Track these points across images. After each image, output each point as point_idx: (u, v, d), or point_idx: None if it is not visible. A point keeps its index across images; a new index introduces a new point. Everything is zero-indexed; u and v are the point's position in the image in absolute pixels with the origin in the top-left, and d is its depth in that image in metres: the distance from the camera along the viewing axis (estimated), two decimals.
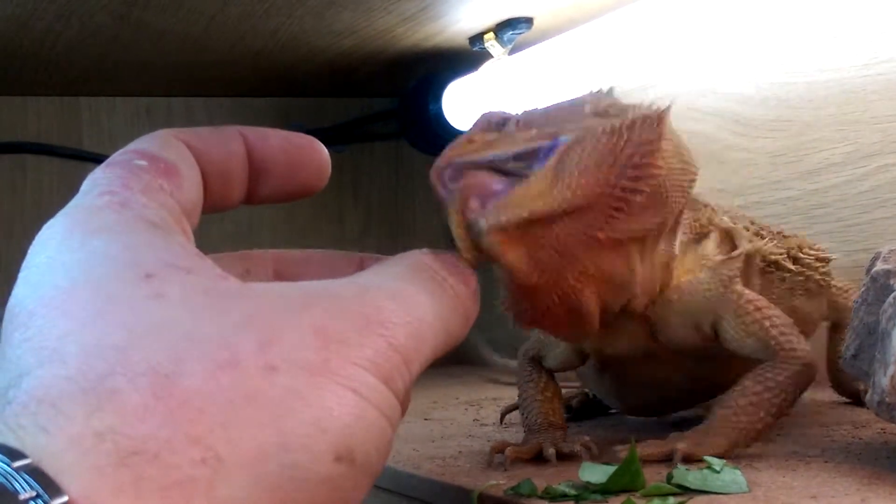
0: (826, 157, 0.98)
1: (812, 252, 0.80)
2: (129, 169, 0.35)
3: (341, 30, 1.23)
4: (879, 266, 0.63)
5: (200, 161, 0.38)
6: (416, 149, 1.53)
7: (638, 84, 1.23)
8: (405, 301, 0.34)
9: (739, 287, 0.70)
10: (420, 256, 0.38)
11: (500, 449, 0.69)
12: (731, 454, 0.64)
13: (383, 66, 1.43)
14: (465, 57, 1.32)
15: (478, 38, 1.25)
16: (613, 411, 0.93)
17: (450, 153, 0.54)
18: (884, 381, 0.58)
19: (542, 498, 0.58)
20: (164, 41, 1.24)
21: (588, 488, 0.58)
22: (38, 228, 1.45)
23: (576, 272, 0.58)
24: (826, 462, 0.63)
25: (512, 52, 1.22)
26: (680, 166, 0.61)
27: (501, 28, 1.21)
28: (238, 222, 1.59)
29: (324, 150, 0.42)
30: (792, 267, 0.77)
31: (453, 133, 1.41)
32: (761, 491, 0.56)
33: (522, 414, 0.75)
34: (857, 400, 0.83)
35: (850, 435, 0.73)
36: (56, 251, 0.31)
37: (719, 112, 1.12)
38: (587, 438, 0.67)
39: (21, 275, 0.31)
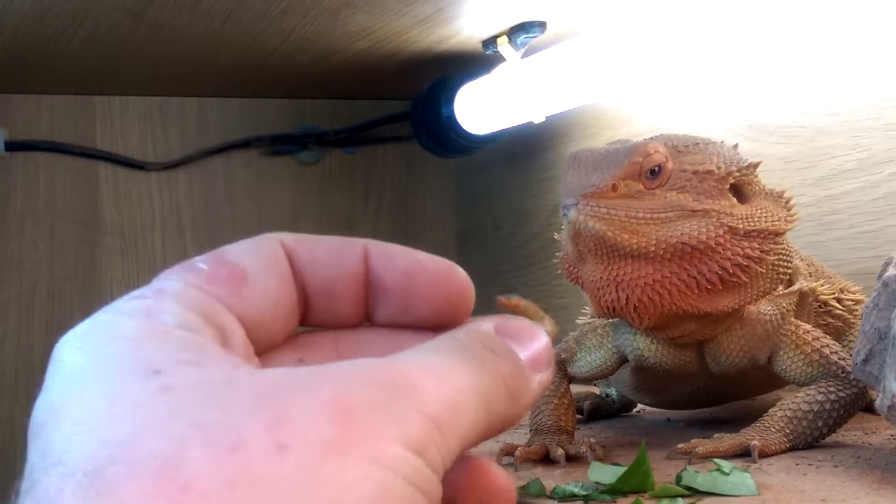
0: (839, 164, 0.98)
1: (852, 296, 0.83)
2: (181, 271, 0.35)
3: (355, 31, 1.23)
4: (891, 271, 0.63)
5: (301, 273, 0.37)
6: (429, 151, 1.53)
7: (655, 88, 1.23)
8: (437, 371, 0.31)
9: (794, 320, 0.73)
10: (459, 334, 0.35)
11: (509, 451, 0.69)
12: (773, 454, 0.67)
13: (396, 68, 1.43)
14: (478, 60, 1.32)
15: (491, 42, 1.25)
16: (624, 414, 0.94)
17: (593, 190, 0.62)
18: (894, 386, 0.58)
19: (551, 498, 0.58)
20: (179, 40, 1.24)
21: (597, 489, 0.58)
22: (49, 225, 1.43)
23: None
24: (836, 467, 0.63)
25: (525, 55, 1.23)
26: (782, 266, 0.70)
27: (515, 31, 1.21)
28: (247, 223, 1.59)
29: (462, 279, 0.37)
30: (839, 309, 0.80)
31: (465, 136, 1.42)
32: (771, 494, 0.56)
33: (533, 413, 0.76)
34: (867, 408, 0.83)
35: (860, 440, 0.73)
36: (69, 360, 0.31)
37: (733, 117, 1.12)
38: (593, 440, 0.68)
39: (43, 386, 0.32)
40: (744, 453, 0.66)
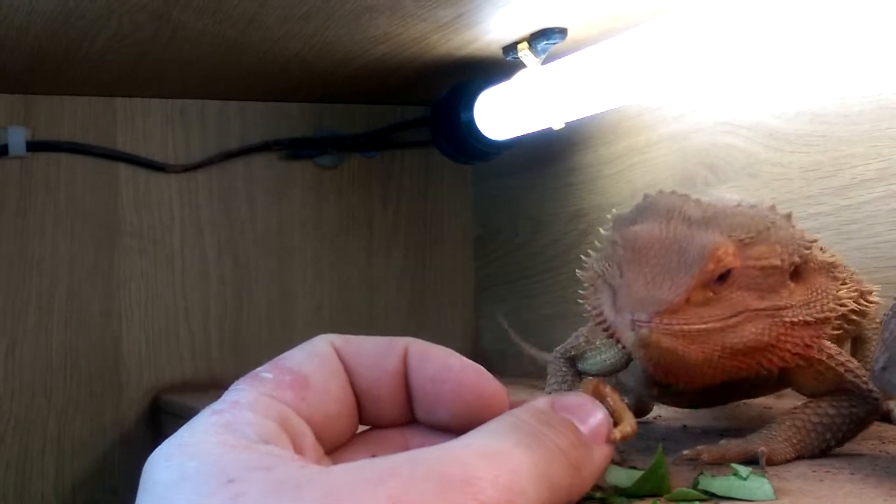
0: (859, 173, 0.98)
1: (872, 301, 0.80)
2: (250, 381, 0.37)
3: (376, 36, 1.24)
4: None
5: (350, 374, 0.38)
6: (447, 157, 1.54)
7: (674, 96, 1.23)
8: (493, 454, 0.32)
9: None
10: (516, 412, 0.36)
11: None
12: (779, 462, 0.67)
13: (416, 73, 1.44)
14: (498, 66, 1.32)
15: (511, 48, 1.26)
16: (638, 420, 0.93)
17: (667, 308, 0.60)
18: None
19: None
20: (201, 43, 1.25)
21: (615, 492, 0.58)
22: (69, 225, 1.43)
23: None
24: (853, 474, 0.63)
25: (545, 62, 1.23)
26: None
27: (535, 38, 1.21)
28: (266, 226, 1.60)
29: (488, 390, 0.38)
30: (855, 316, 0.78)
31: (484, 142, 1.42)
32: (788, 499, 0.56)
33: None
34: (884, 417, 0.83)
35: (877, 449, 0.72)
36: (157, 478, 0.33)
37: (753, 126, 1.11)
38: None
39: (136, 501, 0.34)
40: (750, 461, 0.66)
